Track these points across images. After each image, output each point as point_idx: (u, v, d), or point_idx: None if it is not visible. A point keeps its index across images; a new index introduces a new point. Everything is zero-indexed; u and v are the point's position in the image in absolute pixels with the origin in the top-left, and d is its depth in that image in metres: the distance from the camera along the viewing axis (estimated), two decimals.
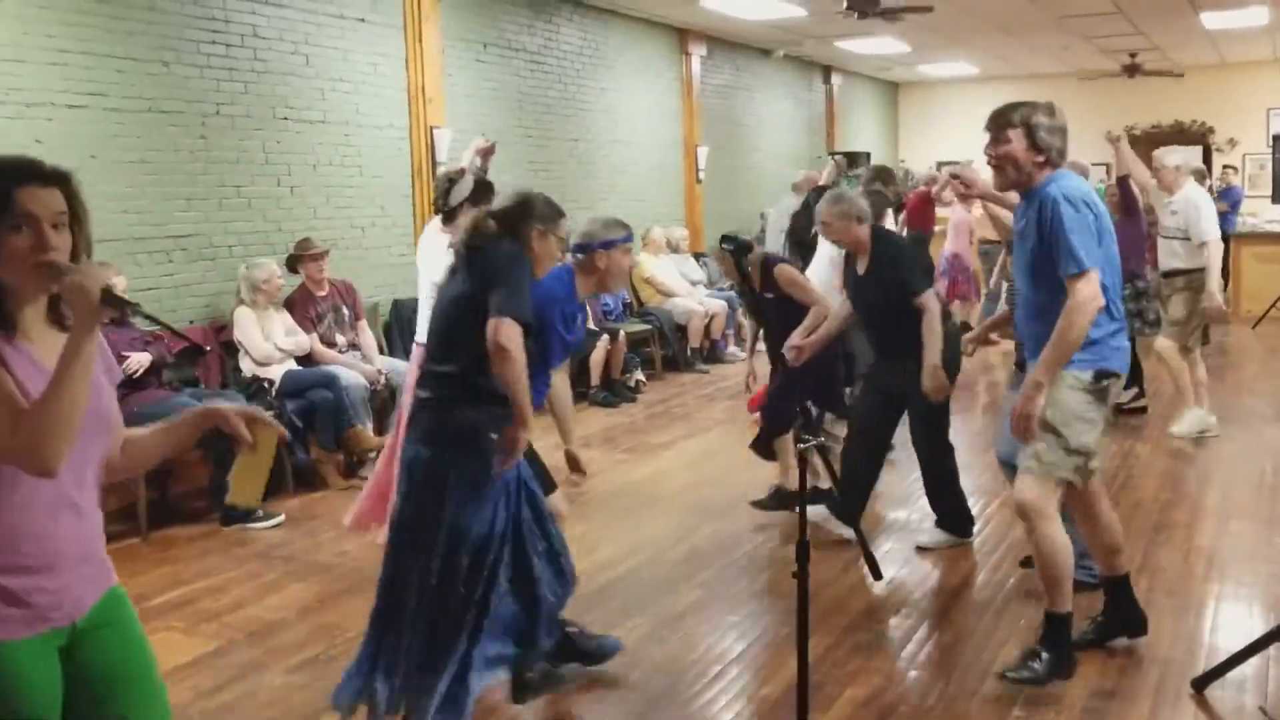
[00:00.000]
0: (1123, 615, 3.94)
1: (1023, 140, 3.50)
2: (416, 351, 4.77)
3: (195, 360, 6.48)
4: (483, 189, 4.66)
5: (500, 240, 3.33)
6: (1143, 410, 7.79)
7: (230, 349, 6.59)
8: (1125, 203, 7.06)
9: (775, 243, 8.80)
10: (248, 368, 6.45)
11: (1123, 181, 7.09)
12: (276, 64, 7.29)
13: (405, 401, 4.64)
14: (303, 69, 7.49)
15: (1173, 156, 7.12)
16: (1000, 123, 3.55)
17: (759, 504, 5.61)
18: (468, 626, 3.18)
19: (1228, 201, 14.14)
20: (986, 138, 3.60)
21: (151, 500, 5.75)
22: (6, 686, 1.90)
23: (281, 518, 5.81)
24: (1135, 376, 7.74)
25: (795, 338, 5.15)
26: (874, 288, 4.95)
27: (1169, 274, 7.02)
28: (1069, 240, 3.38)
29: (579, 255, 3.77)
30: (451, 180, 4.65)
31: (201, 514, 5.92)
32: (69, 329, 1.89)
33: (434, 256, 4.55)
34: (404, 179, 8.36)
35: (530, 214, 3.41)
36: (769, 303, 5.40)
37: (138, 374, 5.69)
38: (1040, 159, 3.51)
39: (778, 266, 5.37)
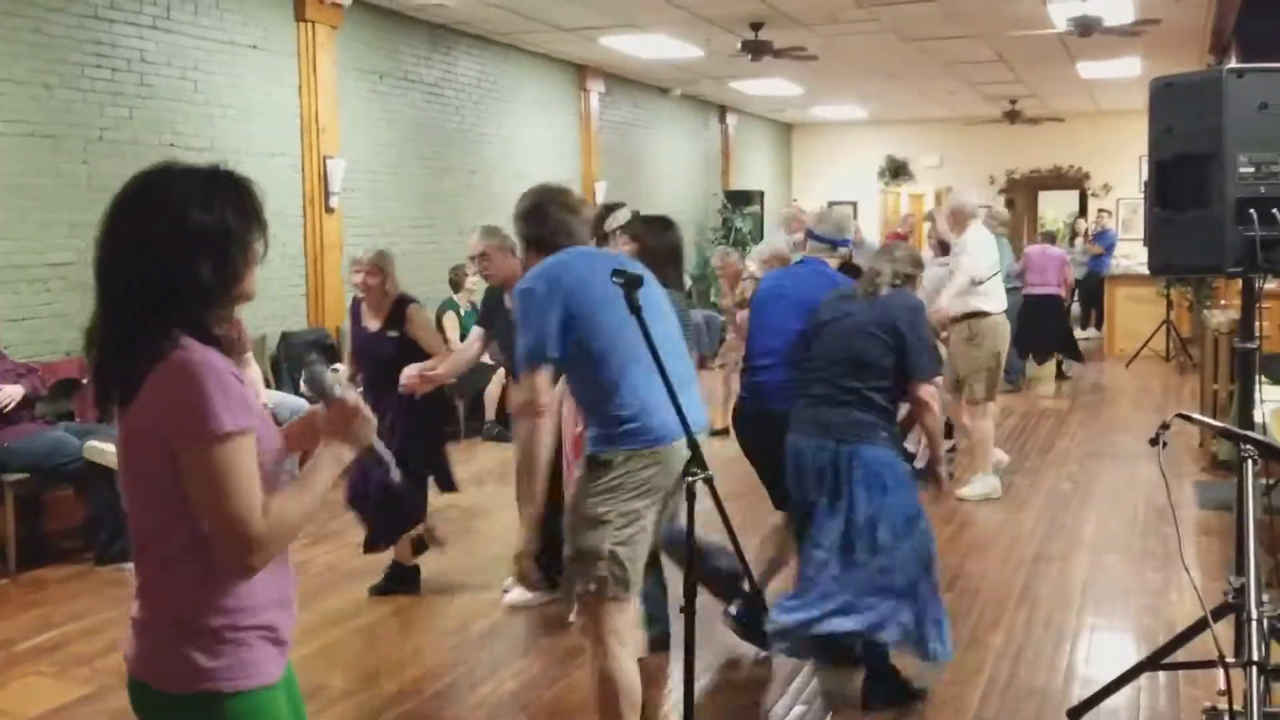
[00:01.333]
0: None
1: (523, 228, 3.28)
2: None
3: (71, 394, 6.26)
4: (637, 220, 4.78)
5: (904, 289, 3.92)
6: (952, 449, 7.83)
7: None
8: (945, 252, 7.92)
9: None
10: None
11: (942, 240, 8.02)
12: (164, 89, 7.13)
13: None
14: (191, 95, 7.33)
15: (959, 198, 7.18)
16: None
17: (376, 589, 5.10)
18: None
19: (1103, 244, 14.78)
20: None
21: (21, 538, 5.52)
22: None
23: None
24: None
25: (417, 369, 4.80)
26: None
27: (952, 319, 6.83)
28: (519, 339, 3.03)
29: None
30: (609, 208, 4.76)
31: (74, 553, 5.70)
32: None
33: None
34: (295, 209, 8.22)
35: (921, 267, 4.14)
36: (386, 342, 5.03)
37: (9, 408, 5.48)
38: (527, 238, 3.27)
39: (412, 306, 5.04)
